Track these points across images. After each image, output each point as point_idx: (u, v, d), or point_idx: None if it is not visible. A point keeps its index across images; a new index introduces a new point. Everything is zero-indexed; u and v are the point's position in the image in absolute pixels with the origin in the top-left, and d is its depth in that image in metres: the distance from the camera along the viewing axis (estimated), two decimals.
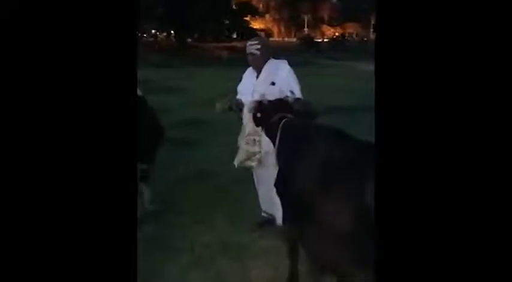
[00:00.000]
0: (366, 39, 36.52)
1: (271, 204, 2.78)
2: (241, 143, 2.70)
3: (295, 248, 2.13)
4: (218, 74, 13.35)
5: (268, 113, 2.31)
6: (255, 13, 32.40)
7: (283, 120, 2.20)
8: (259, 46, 2.82)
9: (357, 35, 47.00)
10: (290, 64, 2.83)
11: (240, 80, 3.03)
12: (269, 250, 2.71)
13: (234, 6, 28.77)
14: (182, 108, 7.86)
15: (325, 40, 41.48)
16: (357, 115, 6.48)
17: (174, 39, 28.25)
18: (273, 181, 2.14)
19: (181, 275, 2.48)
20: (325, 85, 10.59)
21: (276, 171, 2.14)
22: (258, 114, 2.43)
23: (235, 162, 2.72)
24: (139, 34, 24.33)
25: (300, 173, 1.87)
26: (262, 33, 33.11)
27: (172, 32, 28.59)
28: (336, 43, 34.73)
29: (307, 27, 50.48)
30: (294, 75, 2.79)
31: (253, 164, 2.68)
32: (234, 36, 29.10)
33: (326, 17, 53.13)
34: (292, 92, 2.46)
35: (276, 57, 2.91)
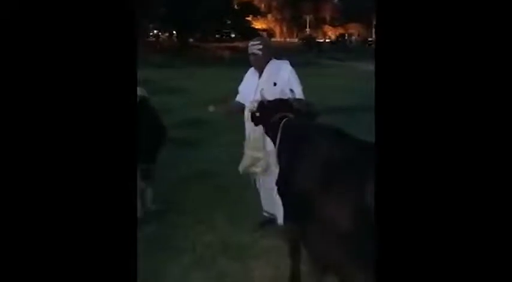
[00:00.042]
0: (370, 40, 36.38)
1: (273, 204, 2.79)
2: (246, 149, 2.71)
3: (296, 247, 2.13)
4: (220, 74, 13.35)
5: (268, 112, 2.32)
6: (257, 13, 32.41)
7: (284, 120, 2.20)
8: (261, 46, 2.82)
9: (358, 35, 46.90)
10: (292, 64, 2.84)
11: (242, 81, 3.04)
12: (271, 250, 2.71)
13: (235, 6, 28.77)
14: (184, 108, 7.86)
15: (327, 40, 41.43)
16: (357, 115, 6.48)
17: (176, 39, 28.29)
18: (274, 181, 2.15)
19: (183, 275, 2.48)
20: (327, 85, 10.58)
21: (277, 172, 2.15)
22: (257, 114, 2.43)
23: (240, 169, 2.73)
24: (141, 34, 24.34)
25: (300, 173, 1.87)
26: (264, 34, 33.13)
27: (174, 32, 28.62)
28: (338, 43, 34.69)
29: (309, 27, 50.44)
30: (296, 76, 2.79)
31: (258, 170, 2.69)
32: (233, 35, 29.09)
33: (328, 18, 53.09)
34: (292, 91, 2.46)
35: (278, 58, 2.91)
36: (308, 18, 50.59)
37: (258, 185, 3.02)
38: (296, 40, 43.47)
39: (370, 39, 38.37)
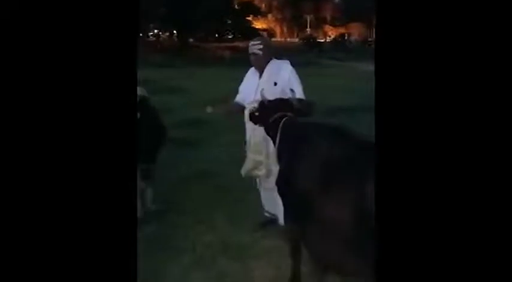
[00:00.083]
0: (370, 40, 36.37)
1: (274, 204, 2.79)
2: (248, 152, 2.71)
3: (297, 247, 2.13)
4: (220, 74, 13.35)
5: (267, 112, 2.32)
6: (258, 13, 32.39)
7: (284, 119, 2.20)
8: (261, 46, 2.82)
9: (359, 35, 46.90)
10: (292, 64, 2.84)
11: (242, 81, 3.04)
12: (271, 250, 2.71)
13: (236, 6, 28.76)
14: (184, 108, 7.86)
15: (327, 40, 41.43)
16: (357, 115, 6.48)
17: (176, 39, 28.28)
18: (274, 181, 2.15)
19: (183, 275, 2.48)
20: (327, 85, 10.58)
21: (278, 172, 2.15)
22: (256, 113, 2.43)
23: (243, 172, 2.72)
24: (141, 34, 24.35)
25: (300, 173, 1.87)
26: (265, 33, 33.08)
27: (174, 32, 28.62)
28: (337, 43, 34.69)
29: (310, 27, 50.45)
30: (296, 76, 2.79)
31: (260, 173, 2.69)
32: (231, 36, 29.08)
33: (329, 17, 53.09)
34: (292, 91, 2.46)
35: (279, 58, 2.91)
36: (309, 18, 50.61)
37: (258, 186, 3.02)
38: (296, 40, 43.46)
39: (370, 39, 38.38)
